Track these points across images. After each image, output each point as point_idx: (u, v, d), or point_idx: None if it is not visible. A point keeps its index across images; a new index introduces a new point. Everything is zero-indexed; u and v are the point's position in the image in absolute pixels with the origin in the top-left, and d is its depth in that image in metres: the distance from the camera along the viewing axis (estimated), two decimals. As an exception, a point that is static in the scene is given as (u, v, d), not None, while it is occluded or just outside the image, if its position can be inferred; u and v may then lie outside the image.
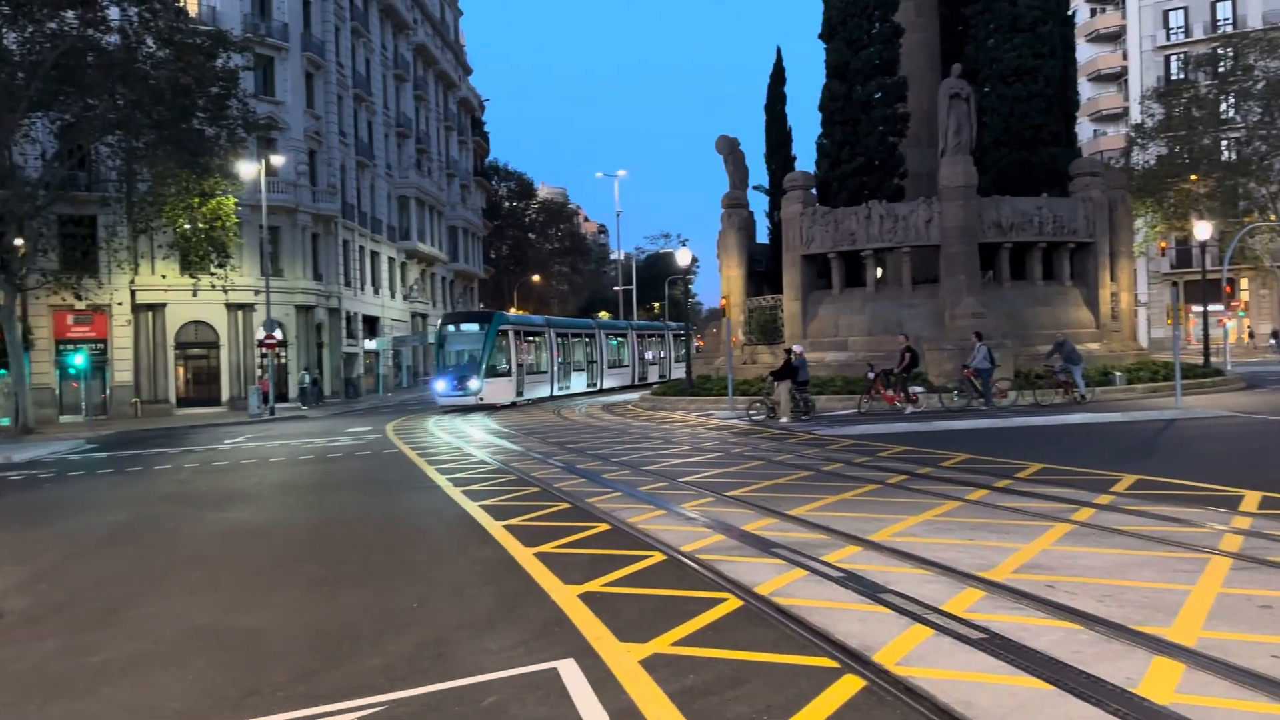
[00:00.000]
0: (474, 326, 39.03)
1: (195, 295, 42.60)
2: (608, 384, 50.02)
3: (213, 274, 38.01)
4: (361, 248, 56.97)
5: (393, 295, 62.64)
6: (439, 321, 41.41)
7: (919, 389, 26.37)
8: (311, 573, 9.20)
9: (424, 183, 66.51)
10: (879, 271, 33.08)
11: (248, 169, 39.16)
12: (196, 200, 36.14)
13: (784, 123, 39.04)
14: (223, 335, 45.35)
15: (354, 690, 5.80)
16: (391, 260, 62.94)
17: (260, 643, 6.93)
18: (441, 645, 6.62)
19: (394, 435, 26.15)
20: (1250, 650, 5.76)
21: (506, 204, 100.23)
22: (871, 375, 26.35)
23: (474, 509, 12.48)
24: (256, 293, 43.53)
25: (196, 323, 45.12)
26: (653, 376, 55.05)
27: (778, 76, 39.01)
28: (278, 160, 44.13)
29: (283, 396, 45.32)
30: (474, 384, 36.70)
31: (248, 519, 12.90)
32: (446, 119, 77.55)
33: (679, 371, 56.08)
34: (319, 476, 17.53)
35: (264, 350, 42.32)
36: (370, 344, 58.15)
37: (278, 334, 41.68)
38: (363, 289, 57.09)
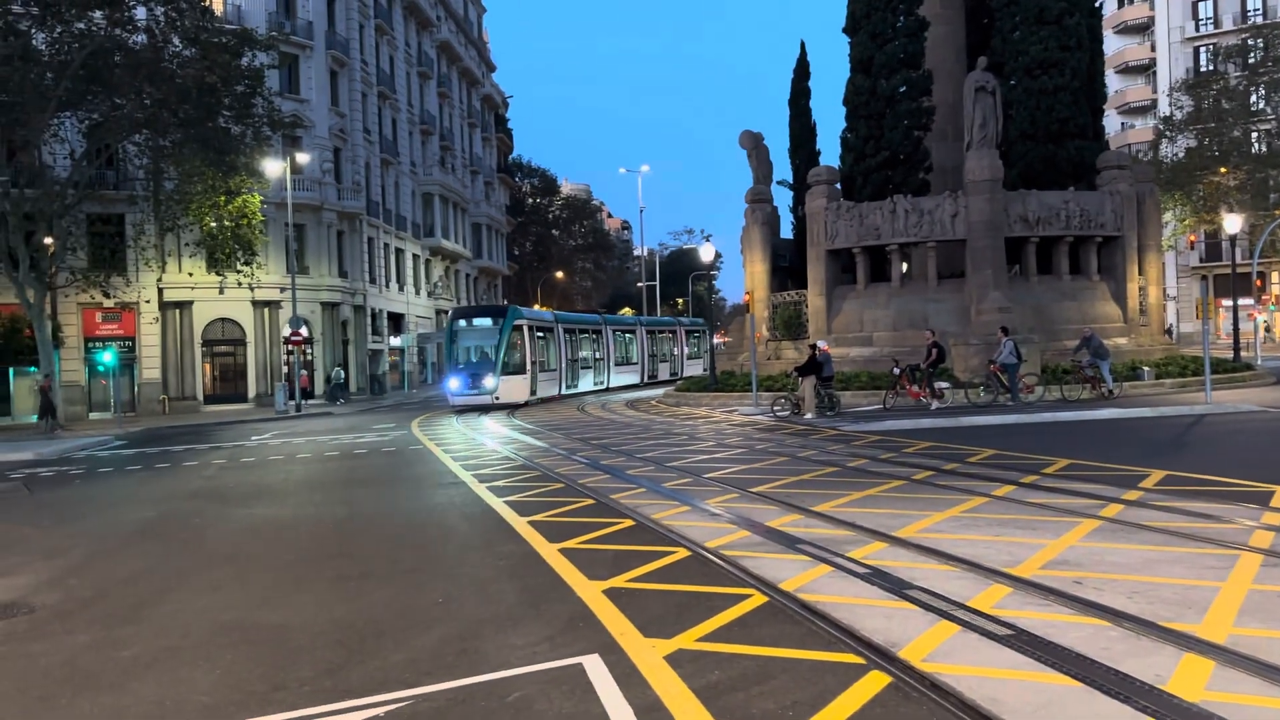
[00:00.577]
0: (488, 321, 36.78)
1: (222, 293, 42.93)
2: (615, 382, 48.27)
3: (239, 271, 38.28)
4: (386, 245, 57.22)
5: (417, 292, 62.89)
6: (449, 315, 39.38)
7: (944, 384, 26.21)
8: (337, 568, 9.25)
9: (448, 180, 66.72)
10: (904, 266, 32.88)
11: (273, 167, 39.38)
12: (222, 198, 36.42)
13: (808, 117, 38.85)
14: (249, 332, 45.68)
15: (379, 685, 5.82)
16: (416, 257, 63.18)
17: (287, 638, 6.97)
18: (466, 640, 6.64)
19: (419, 431, 26.26)
20: (1282, 648, 5.69)
21: (530, 200, 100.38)
22: (897, 371, 26.22)
23: (499, 505, 12.51)
24: (282, 290, 43.80)
25: (223, 320, 45.47)
26: (663, 374, 53.95)
27: (802, 71, 38.80)
28: (303, 158, 44.39)
29: (309, 393, 45.65)
30: (489, 382, 34.78)
31: (274, 515, 12.99)
32: (470, 116, 77.75)
33: (693, 369, 55.47)
34: (345, 472, 17.63)
35: (290, 347, 42.60)
36: (395, 341, 58.45)
37: (304, 331, 41.92)
38: (387, 286, 57.35)
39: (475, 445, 21.64)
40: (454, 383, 35.74)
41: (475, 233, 74.37)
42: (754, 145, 36.95)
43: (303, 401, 40.82)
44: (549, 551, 9.31)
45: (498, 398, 34.75)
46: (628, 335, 51.53)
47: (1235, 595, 6.82)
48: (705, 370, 56.43)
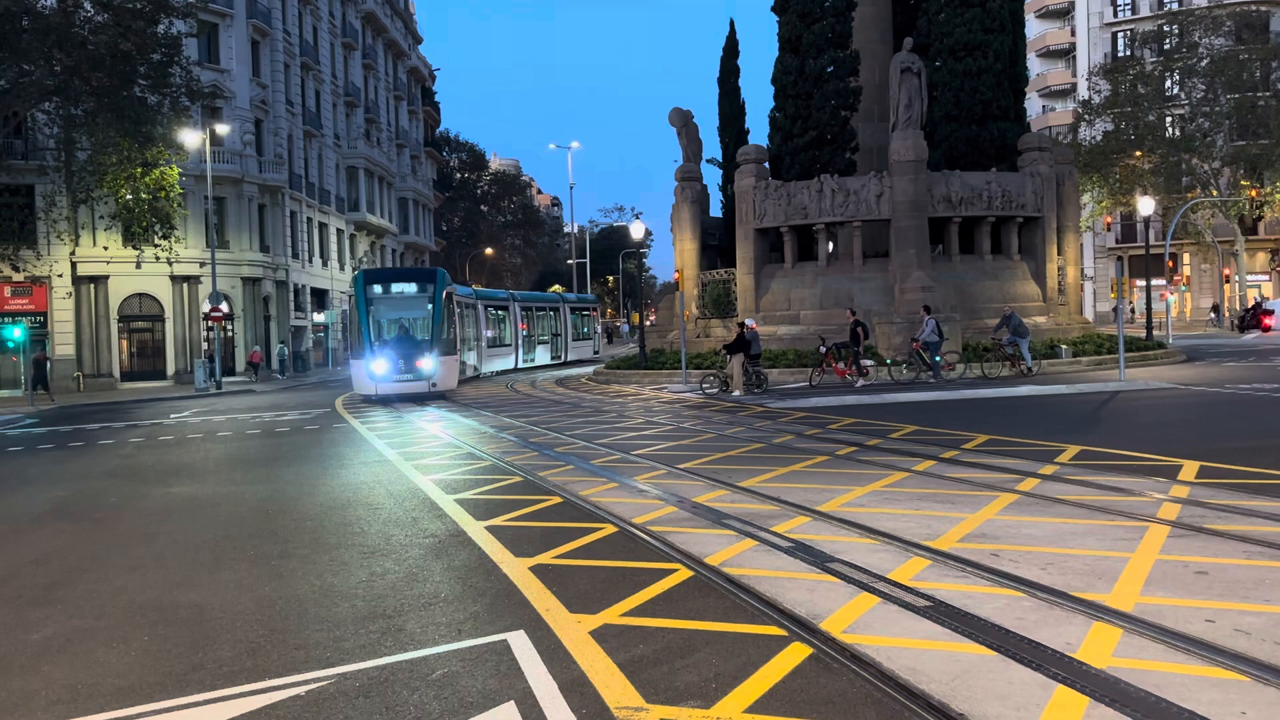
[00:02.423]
0: (413, 287, 30.59)
1: (139, 267, 41.80)
2: (487, 368, 41.44)
3: (157, 245, 37.22)
4: (309, 219, 56.17)
5: (342, 267, 61.87)
6: (358, 278, 30.76)
7: (869, 362, 26.63)
8: (259, 547, 9.10)
9: (373, 153, 65.62)
10: (830, 246, 33.25)
11: (192, 138, 38.37)
12: (139, 170, 35.33)
13: (737, 96, 39.00)
14: (168, 308, 44.56)
15: (300, 665, 5.75)
16: (340, 232, 62.14)
17: (205, 618, 6.84)
18: (390, 619, 6.59)
19: (343, 410, 25.91)
20: (1186, 615, 5.90)
21: (458, 175, 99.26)
22: (823, 349, 26.54)
23: (425, 482, 12.41)
24: (202, 264, 42.79)
25: (141, 295, 44.29)
26: (542, 358, 49.02)
27: (731, 49, 38.92)
28: (223, 130, 43.32)
29: (230, 370, 44.73)
30: (426, 364, 28.23)
31: (194, 494, 12.72)
32: (396, 89, 76.49)
33: (579, 352, 52.47)
34: (267, 451, 17.32)
35: (210, 324, 41.64)
36: (319, 317, 57.49)
37: (224, 307, 41.04)
38: (311, 261, 56.33)
39: (400, 422, 21.42)
40: (378, 365, 27.91)
41: (401, 207, 73.34)
42: (684, 123, 36.96)
43: (223, 379, 39.97)
44: (476, 529, 9.27)
45: (435, 384, 28.44)
46: (500, 313, 44.31)
47: (1143, 565, 7.05)
48: (595, 352, 55.60)
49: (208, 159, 39.77)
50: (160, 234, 36.97)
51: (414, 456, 15.08)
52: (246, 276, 47.06)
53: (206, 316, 42.06)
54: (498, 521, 9.55)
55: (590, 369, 41.38)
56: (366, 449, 16.67)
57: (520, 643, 5.90)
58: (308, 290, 55.73)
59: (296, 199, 53.51)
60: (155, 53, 34.53)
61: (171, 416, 26.37)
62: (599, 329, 61.11)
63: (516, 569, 7.67)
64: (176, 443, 19.43)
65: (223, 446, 18.39)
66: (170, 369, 44.58)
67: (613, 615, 6.35)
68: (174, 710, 5.17)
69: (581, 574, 7.46)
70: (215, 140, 41.95)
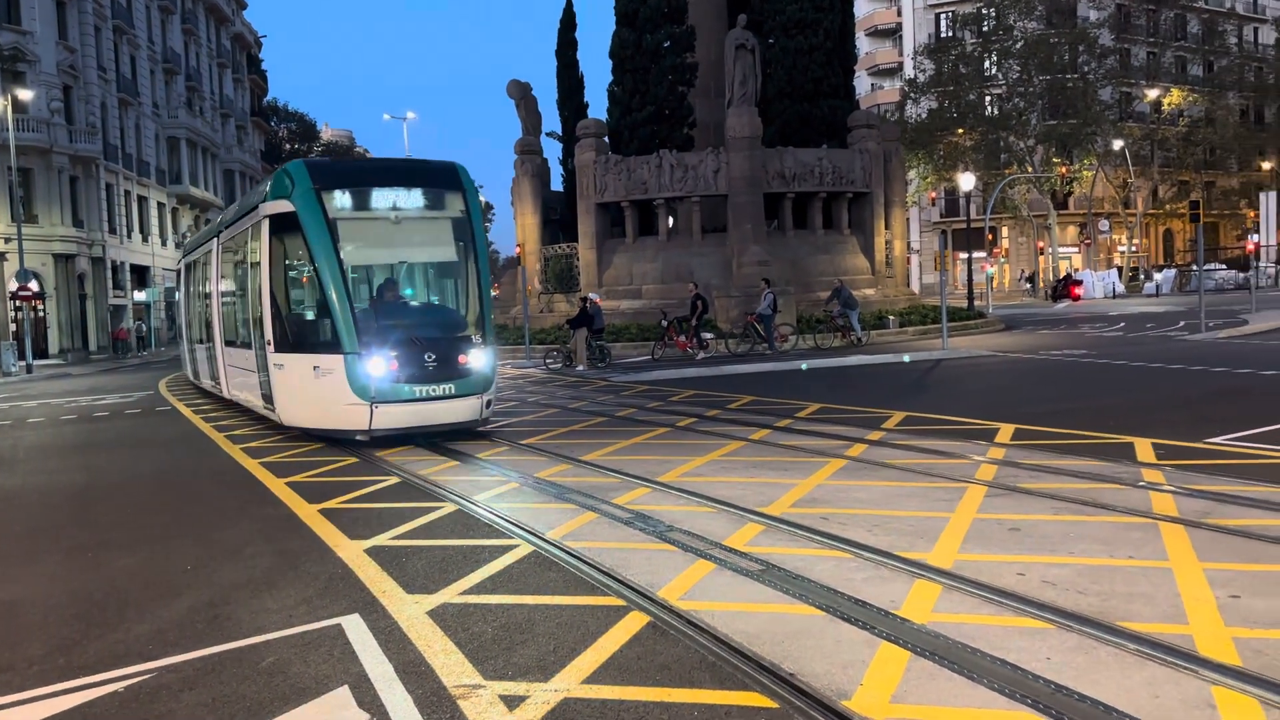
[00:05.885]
0: (420, 197, 13.36)
1: (-66, 243, 38.72)
2: None
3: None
4: (127, 192, 53.15)
5: (164, 243, 58.83)
6: (296, 175, 12.91)
7: (709, 335, 27.12)
8: (74, 538, 8.61)
9: (195, 123, 62.51)
10: (671, 220, 33.62)
11: (-9, 104, 35.68)
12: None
13: (576, 69, 38.84)
14: (-31, 287, 41.45)
15: (120, 659, 5.48)
16: (161, 206, 59.04)
17: (15, 615, 6.43)
18: (217, 607, 6.34)
19: (168, 392, 24.71)
20: (999, 570, 6.26)
21: (287, 146, 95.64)
22: (665, 322, 26.89)
23: (254, 466, 11.97)
24: (7, 240, 39.97)
25: (-63, 274, 41.07)
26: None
27: (568, 21, 38.71)
28: (26, 95, 40.48)
29: (42, 352, 42.03)
30: (475, 361, 12.99)
31: (2, 484, 11.91)
32: (219, 56, 72.98)
33: None
34: (84, 437, 16.36)
35: (18, 303, 38.98)
36: (140, 295, 54.52)
37: (33, 285, 38.48)
38: (129, 236, 53.37)
39: (228, 405, 20.57)
40: (374, 366, 12.32)
41: (228, 180, 70.24)
42: (522, 95, 36.60)
43: (35, 362, 37.54)
44: (308, 513, 9.00)
45: (489, 404, 13.47)
46: None
47: (962, 524, 7.43)
48: None
49: (10, 127, 37.08)
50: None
51: (242, 440, 14.51)
52: (59, 253, 44.22)
53: (14, 296, 39.33)
54: (331, 504, 9.30)
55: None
56: (192, 433, 15.93)
57: (355, 626, 5.78)
58: (127, 267, 52.82)
59: (113, 171, 50.53)
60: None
61: (-24, 403, 24.60)
62: None
63: (351, 552, 7.50)
64: (-19, 431, 18.15)
65: (34, 434, 17.27)
66: (-26, 353, 41.55)
67: (451, 594, 6.29)
68: (-23, 716, 4.84)
69: (419, 554, 7.35)
70: (19, 107, 39.17)
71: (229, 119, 74.01)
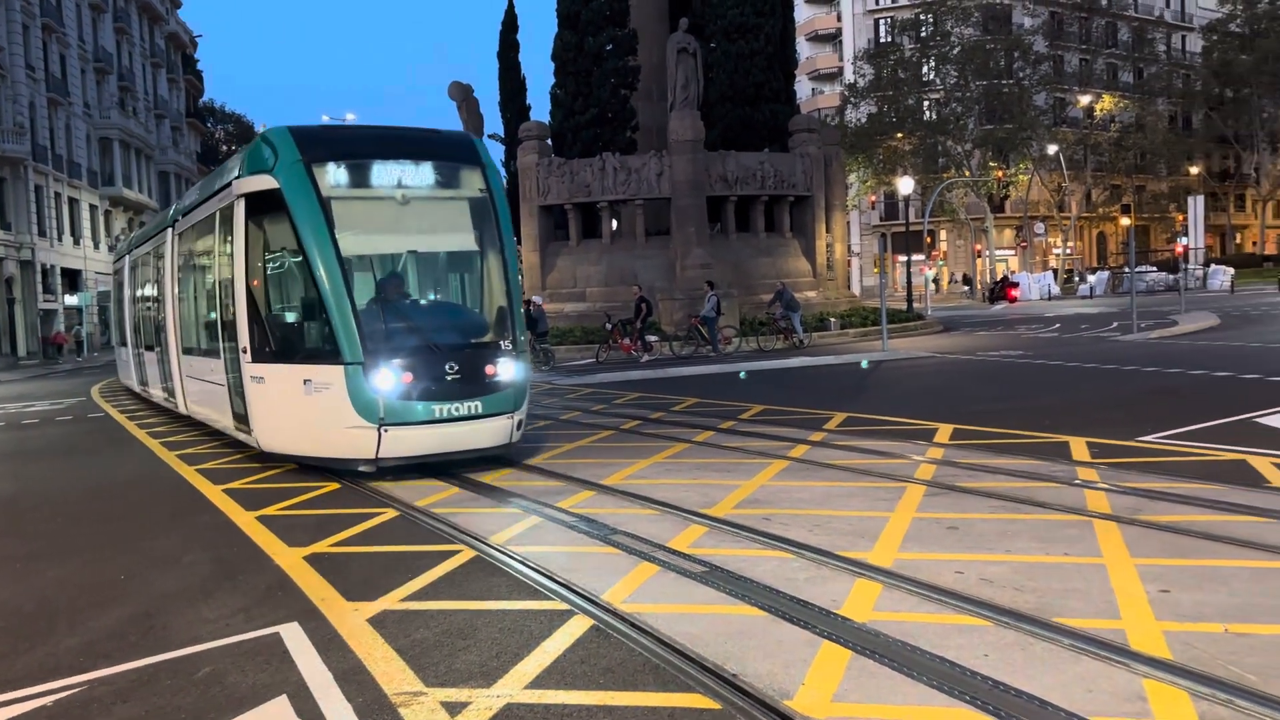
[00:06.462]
0: (430, 172, 11.13)
1: None
2: None
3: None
4: (58, 194, 51.86)
5: (96, 246, 57.49)
6: (279, 142, 10.66)
7: (653, 337, 27.18)
8: (2, 549, 8.37)
9: (129, 124, 61.19)
10: (614, 223, 33.63)
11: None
12: None
13: (518, 71, 38.76)
14: (-110, 292, 40.17)
15: (49, 672, 5.33)
16: (94, 208, 57.70)
17: (-63, 631, 6.24)
18: (152, 618, 6.21)
19: (100, 399, 24.16)
20: (938, 568, 6.34)
21: (224, 148, 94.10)
22: (609, 325, 26.89)
23: (190, 473, 11.75)
24: (-69, 244, 38.82)
25: None
26: None
27: (510, 23, 38.62)
28: (-49, 94, 39.30)
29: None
30: (505, 372, 10.73)
31: (-76, 496, 11.55)
32: (154, 55, 71.55)
33: None
34: (13, 445, 15.93)
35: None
36: (71, 299, 53.22)
37: (-41, 290, 37.39)
38: (60, 239, 52.07)
39: (165, 412, 20.16)
40: (383, 379, 10.02)
41: (163, 182, 68.89)
42: (464, 97, 36.37)
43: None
44: (246, 520, 8.85)
45: (520, 423, 11.13)
46: None
47: (901, 524, 7.52)
48: None
49: (-66, 127, 36.02)
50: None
51: (178, 446, 14.22)
52: (-15, 256, 43.07)
53: (-62, 301, 38.23)
54: (269, 511, 9.16)
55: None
56: (126, 439, 15.57)
57: (294, 635, 5.69)
58: (58, 271, 51.52)
59: (42, 172, 49.29)
60: None
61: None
62: None
63: (290, 559, 7.38)
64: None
65: (-41, 443, 16.77)
66: (-104, 359, 40.30)
67: (392, 601, 6.22)
68: (-103, 735, 4.69)
69: (360, 561, 7.26)
70: (-58, 106, 38.04)
71: (164, 120, 72.59)
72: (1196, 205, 57.62)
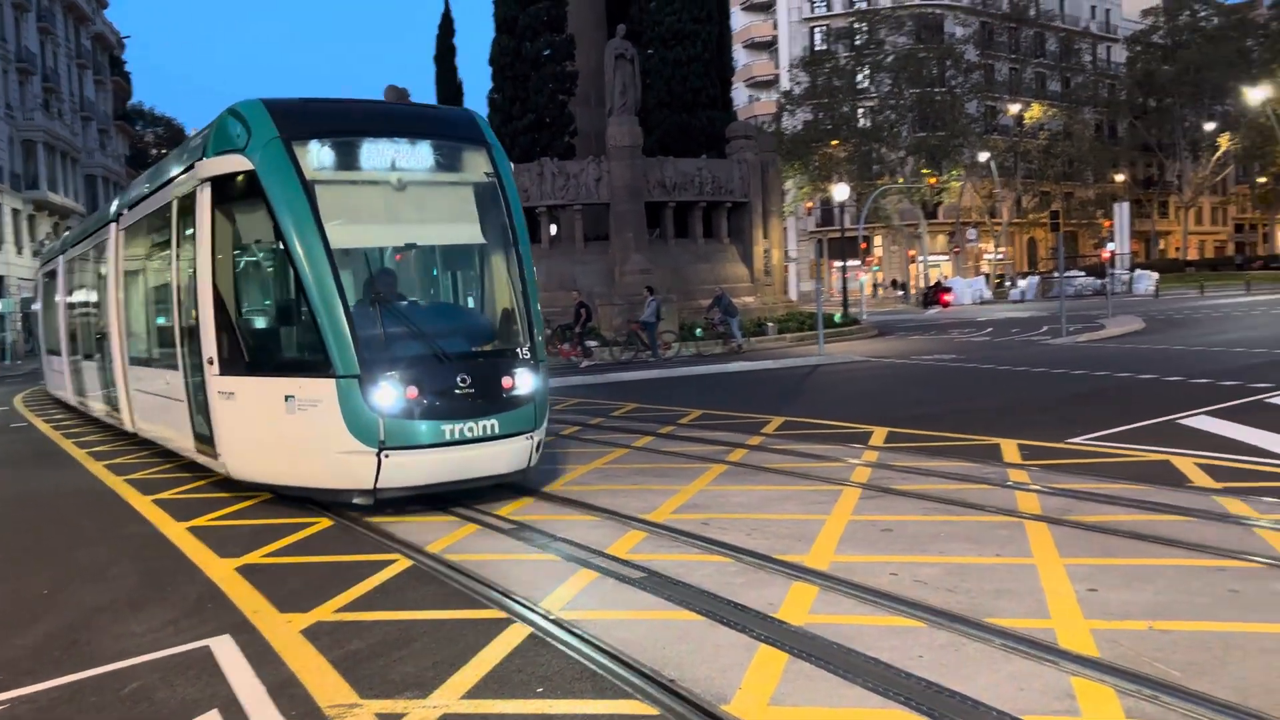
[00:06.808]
0: (429, 152, 9.50)
1: None
2: None
3: None
4: (-21, 198, 50.39)
5: (19, 251, 55.90)
6: (252, 116, 9.03)
7: (593, 343, 27.16)
8: (-83, 566, 8.09)
9: (53, 126, 59.64)
10: (553, 228, 33.53)
11: None
12: None
13: (455, 76, 38.54)
14: None
15: (-33, 693, 5.17)
16: (17, 212, 56.10)
17: None
18: (76, 633, 6.04)
19: (24, 408, 23.48)
20: (873, 570, 6.41)
21: (154, 151, 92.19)
22: (549, 331, 26.76)
23: (118, 483, 11.46)
24: None
25: None
26: None
27: (446, 27, 38.40)
28: None
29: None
30: (522, 384, 9.20)
31: None
32: (80, 56, 69.86)
33: None
34: (-70, 457, 15.41)
35: None
36: (-7, 305, 51.71)
37: (-127, 296, 36.12)
38: (-18, 245, 50.58)
39: (107, 428, 19.66)
40: (383, 394, 8.50)
41: (90, 185, 67.25)
42: (399, 102, 36.03)
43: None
44: (176, 531, 8.66)
45: (538, 447, 9.54)
46: None
47: (837, 526, 7.60)
48: None
49: None
50: None
51: (105, 456, 13.86)
52: (-99, 262, 41.64)
53: None
54: (200, 521, 8.97)
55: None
56: (51, 450, 15.15)
57: (225, 648, 5.58)
58: (-21, 277, 50.05)
59: (-39, 175, 47.86)
60: None
61: None
62: None
63: (221, 570, 7.24)
64: None
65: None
66: None
67: (326, 612, 6.13)
68: None
69: (294, 571, 7.15)
70: None
71: (90, 122, 70.92)
72: (1122, 212, 59.14)
